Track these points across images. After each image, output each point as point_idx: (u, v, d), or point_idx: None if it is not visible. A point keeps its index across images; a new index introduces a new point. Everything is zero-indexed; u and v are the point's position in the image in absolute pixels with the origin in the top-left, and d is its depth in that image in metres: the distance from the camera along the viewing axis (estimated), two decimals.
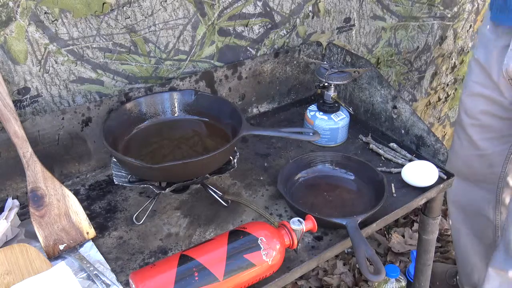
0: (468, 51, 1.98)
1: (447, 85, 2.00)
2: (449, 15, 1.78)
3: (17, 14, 0.95)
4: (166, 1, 1.12)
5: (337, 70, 1.25)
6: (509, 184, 1.46)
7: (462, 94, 1.45)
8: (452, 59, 1.94)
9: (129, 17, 1.09)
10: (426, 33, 1.74)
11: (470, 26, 1.91)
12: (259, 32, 1.32)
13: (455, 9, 1.78)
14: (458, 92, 2.08)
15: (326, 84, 1.25)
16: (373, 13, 1.55)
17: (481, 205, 1.53)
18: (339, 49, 1.38)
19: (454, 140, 1.53)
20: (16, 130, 0.94)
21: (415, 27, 1.68)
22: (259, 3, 1.28)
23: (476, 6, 1.87)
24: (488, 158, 1.43)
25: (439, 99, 2.02)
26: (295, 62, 1.40)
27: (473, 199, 1.54)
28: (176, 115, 1.17)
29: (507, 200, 1.48)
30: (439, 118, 2.11)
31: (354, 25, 1.53)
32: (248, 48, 1.32)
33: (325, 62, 1.33)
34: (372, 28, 1.58)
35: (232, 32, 1.27)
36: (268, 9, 1.30)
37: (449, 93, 2.05)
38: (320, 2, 1.40)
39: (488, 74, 1.31)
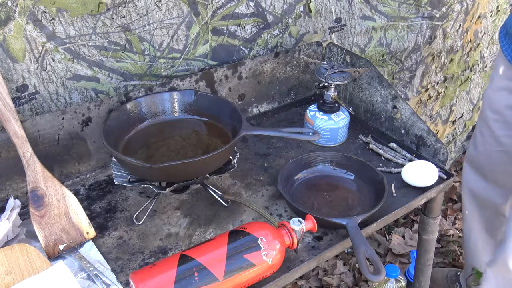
0: (457, 50, 1.99)
1: (437, 83, 2.02)
2: (437, 15, 1.79)
3: (15, 13, 0.96)
4: (160, 1, 1.13)
5: (337, 70, 1.25)
6: None
7: (487, 88, 1.43)
8: (441, 58, 1.95)
9: (124, 17, 1.09)
10: (416, 32, 1.75)
11: (460, 25, 1.92)
12: (251, 31, 1.33)
13: (444, 9, 1.79)
14: (449, 90, 2.09)
15: (326, 84, 1.25)
16: (362, 13, 1.55)
17: (499, 202, 1.51)
18: (339, 49, 1.38)
19: (476, 135, 1.52)
20: (16, 130, 0.94)
21: (404, 27, 1.69)
22: (251, 4, 1.28)
23: (465, 6, 1.88)
24: (510, 155, 1.41)
25: (430, 97, 2.03)
26: (295, 62, 1.40)
27: (490, 195, 1.52)
28: (176, 115, 1.17)
29: None
30: (431, 116, 2.12)
31: (345, 25, 1.53)
32: (241, 47, 1.33)
33: (325, 62, 1.33)
34: (362, 28, 1.58)
35: (225, 31, 1.28)
36: (261, 9, 1.31)
37: (439, 91, 2.06)
38: (310, 2, 1.41)
39: None
